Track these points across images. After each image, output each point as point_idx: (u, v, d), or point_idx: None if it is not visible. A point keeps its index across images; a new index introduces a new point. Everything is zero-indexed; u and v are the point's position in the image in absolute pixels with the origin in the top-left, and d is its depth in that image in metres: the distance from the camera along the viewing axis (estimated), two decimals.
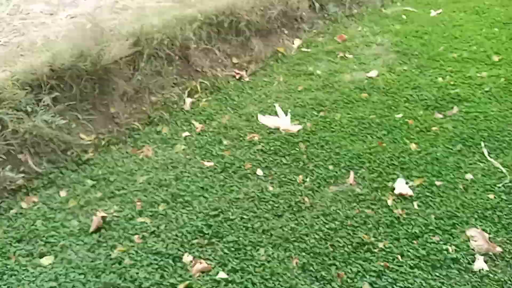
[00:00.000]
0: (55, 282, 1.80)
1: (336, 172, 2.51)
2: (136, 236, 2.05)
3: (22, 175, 2.37)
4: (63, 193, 2.36)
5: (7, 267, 1.87)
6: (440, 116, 3.03)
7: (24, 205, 2.25)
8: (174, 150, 2.77)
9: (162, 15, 3.56)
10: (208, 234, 2.07)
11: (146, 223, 2.14)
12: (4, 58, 2.81)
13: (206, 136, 2.89)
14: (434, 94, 3.27)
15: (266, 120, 2.98)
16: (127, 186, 2.42)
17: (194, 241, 2.02)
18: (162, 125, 3.04)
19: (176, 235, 2.06)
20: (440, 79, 3.46)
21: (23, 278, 1.82)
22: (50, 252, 1.97)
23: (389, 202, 2.27)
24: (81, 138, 2.78)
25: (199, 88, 3.44)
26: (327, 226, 2.11)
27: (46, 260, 1.92)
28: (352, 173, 2.49)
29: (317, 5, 4.70)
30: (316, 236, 2.04)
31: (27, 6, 4.44)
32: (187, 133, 2.92)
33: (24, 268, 1.87)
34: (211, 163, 2.60)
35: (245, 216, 2.18)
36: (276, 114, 3.09)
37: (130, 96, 3.11)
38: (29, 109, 2.50)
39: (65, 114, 2.71)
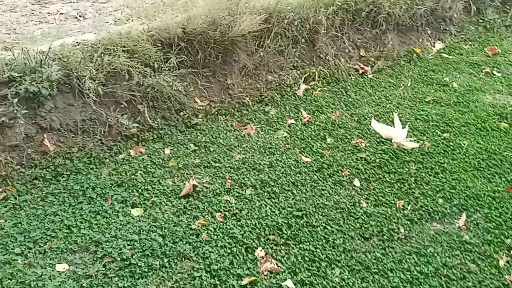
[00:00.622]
0: (137, 236, 1.93)
1: (445, 209, 2.20)
2: (218, 214, 2.08)
3: (137, 125, 2.56)
4: (167, 151, 2.50)
5: (102, 208, 2.06)
6: None
7: (132, 152, 2.44)
8: (275, 135, 2.72)
9: None
10: (286, 234, 2.00)
11: (231, 203, 2.15)
12: (147, 11, 3.00)
13: (310, 128, 2.78)
14: None
15: (380, 127, 2.73)
16: (223, 160, 2.45)
17: (271, 237, 1.98)
18: (271, 106, 3.00)
19: (255, 225, 2.03)
20: None
21: (112, 222, 1.98)
22: (141, 204, 2.11)
23: (501, 262, 1.91)
24: (195, 101, 2.89)
25: (317, 75, 3.30)
26: (418, 268, 1.87)
27: (136, 212, 2.06)
28: (464, 215, 2.16)
29: (473, 7, 4.09)
30: (402, 276, 1.83)
31: None
32: (292, 121, 2.84)
33: (115, 213, 2.04)
34: (309, 159, 2.50)
35: (328, 227, 2.05)
36: (392, 123, 2.82)
37: (248, 71, 3.12)
38: (156, 66, 2.66)
39: (186, 77, 2.83)
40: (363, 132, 2.74)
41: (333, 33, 3.43)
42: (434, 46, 3.90)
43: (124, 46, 2.53)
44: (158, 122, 2.66)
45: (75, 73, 2.38)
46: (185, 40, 2.80)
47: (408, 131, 2.71)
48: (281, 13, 3.11)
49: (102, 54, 2.45)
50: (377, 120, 2.83)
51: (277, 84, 3.18)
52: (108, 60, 2.42)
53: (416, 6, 3.68)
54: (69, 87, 2.41)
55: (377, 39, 3.68)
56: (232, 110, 2.93)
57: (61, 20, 3.25)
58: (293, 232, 2.01)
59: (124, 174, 2.27)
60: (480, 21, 4.20)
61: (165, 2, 3.52)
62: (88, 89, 2.34)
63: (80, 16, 3.30)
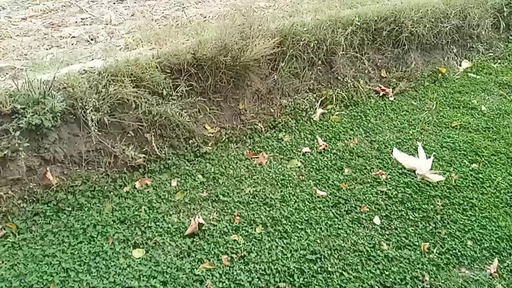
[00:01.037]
0: (136, 282, 1.80)
1: (475, 252, 1.98)
2: (225, 257, 1.93)
3: (143, 155, 2.46)
4: (174, 183, 2.38)
5: (102, 249, 1.94)
6: None
7: (137, 185, 2.33)
8: (289, 164, 2.56)
9: (317, 13, 3.30)
10: (298, 281, 1.83)
11: (239, 244, 2.00)
12: (157, 36, 2.92)
13: (327, 157, 2.61)
14: None
15: (402, 157, 2.54)
16: (233, 193, 2.31)
17: (281, 285, 1.81)
18: (285, 132, 2.85)
19: (265, 270, 1.87)
20: None
21: (112, 266, 1.86)
22: (143, 244, 1.99)
23: None
24: (205, 128, 2.77)
25: (334, 98, 3.14)
26: None
27: (138, 253, 1.94)
28: (496, 260, 1.94)
29: (502, 24, 3.86)
30: None
31: None
32: (307, 149, 2.68)
33: (116, 255, 1.92)
34: (324, 193, 2.32)
35: (345, 274, 1.87)
36: (415, 151, 2.62)
37: (261, 95, 2.99)
38: (165, 93, 2.56)
39: (196, 103, 2.72)
40: (384, 162, 2.55)
41: (352, 53, 3.27)
42: (460, 65, 3.68)
43: (131, 74, 2.44)
44: (165, 151, 2.55)
45: (80, 103, 2.30)
46: (195, 65, 2.69)
47: (433, 161, 2.51)
48: (296, 35, 2.97)
49: (108, 83, 2.36)
50: (399, 149, 2.64)
51: (292, 108, 3.03)
52: (115, 90, 2.34)
53: (441, 24, 3.48)
54: (74, 117, 2.33)
55: (399, 59, 3.49)
56: (244, 137, 2.80)
57: (72, 44, 3.21)
58: (306, 279, 1.84)
59: (128, 209, 2.16)
60: (510, 37, 3.95)
61: (177, 23, 3.46)
62: (92, 120, 2.25)
63: (91, 40, 3.25)
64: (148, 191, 2.30)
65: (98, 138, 2.34)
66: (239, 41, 2.69)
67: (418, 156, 2.51)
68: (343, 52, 3.20)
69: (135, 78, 2.47)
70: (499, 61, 3.77)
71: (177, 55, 2.64)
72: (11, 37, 3.19)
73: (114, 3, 4.00)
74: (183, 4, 3.99)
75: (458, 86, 3.39)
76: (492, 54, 3.81)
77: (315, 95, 3.15)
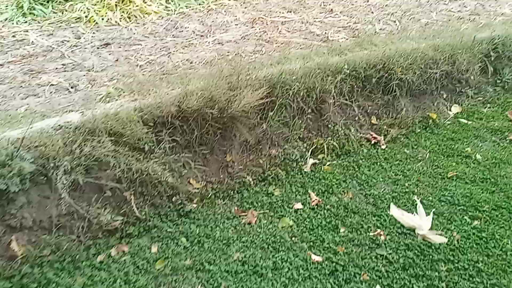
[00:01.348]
0: None
1: None
2: None
3: (121, 217, 2.25)
4: (154, 248, 2.17)
5: None
6: None
7: (113, 252, 2.12)
8: (280, 223, 2.38)
9: (306, 60, 3.23)
10: None
11: None
12: (141, 86, 2.78)
13: (320, 215, 2.44)
14: None
15: (400, 215, 2.39)
16: (219, 260, 2.11)
17: None
18: (275, 186, 2.69)
19: None
20: None
21: None
22: None
23: None
24: (190, 183, 2.59)
25: (325, 147, 3.01)
26: None
27: None
28: None
29: (490, 68, 3.85)
30: None
31: (183, 23, 4.60)
32: (299, 205, 2.51)
33: None
34: (320, 258, 2.14)
35: None
36: (413, 205, 2.48)
37: (250, 146, 2.85)
38: (147, 148, 2.39)
39: (180, 157, 2.56)
40: (381, 220, 2.40)
41: (342, 101, 3.18)
42: (450, 110, 3.62)
43: (111, 130, 2.27)
44: (146, 211, 2.35)
45: (52, 164, 2.11)
46: (180, 117, 2.55)
47: (433, 219, 2.36)
48: (286, 84, 2.87)
49: (85, 142, 2.18)
50: (396, 204, 2.50)
51: (282, 159, 2.89)
52: (90, 150, 2.16)
53: (430, 70, 3.44)
54: (45, 178, 2.13)
55: (389, 105, 3.42)
56: (231, 191, 2.62)
57: (50, 93, 3.05)
58: None
59: (101, 284, 1.93)
60: (498, 81, 3.95)
61: (163, 68, 3.34)
62: (64, 184, 2.05)
63: (71, 88, 3.10)
64: (124, 260, 2.08)
65: (70, 202, 2.13)
66: (226, 92, 2.57)
67: (417, 213, 2.37)
68: (333, 100, 3.10)
69: (114, 134, 2.30)
70: (488, 105, 3.74)
71: (161, 107, 2.49)
72: None
73: (98, 48, 3.89)
74: (169, 49, 3.89)
75: (450, 133, 3.31)
76: (481, 98, 3.78)
77: (305, 144, 3.03)
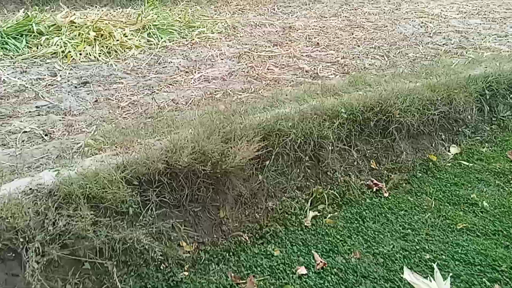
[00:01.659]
0: None
1: None
2: None
3: None
4: None
5: None
6: None
7: None
8: None
9: (300, 102, 3.06)
10: None
11: None
12: (123, 136, 2.52)
13: (328, 281, 2.20)
14: None
15: (415, 280, 2.16)
16: None
17: None
18: (274, 245, 2.44)
19: None
20: None
21: None
22: None
23: None
24: (181, 246, 2.32)
25: (326, 197, 2.80)
26: None
27: None
28: None
29: (486, 106, 3.78)
30: None
31: (166, 58, 4.38)
32: (303, 270, 2.27)
33: None
34: None
35: None
36: (426, 267, 2.27)
37: (245, 199, 2.60)
38: (131, 211, 2.12)
39: (169, 218, 2.29)
40: (395, 286, 2.17)
41: (340, 146, 3.00)
42: (449, 151, 3.49)
43: (89, 194, 2.00)
44: (130, 285, 2.06)
45: (21, 238, 1.81)
46: (168, 174, 2.30)
47: (451, 283, 2.15)
48: (282, 131, 2.67)
49: (60, 209, 1.90)
50: (408, 265, 2.28)
51: (280, 212, 2.66)
52: (68, 217, 1.87)
53: (428, 111, 3.31)
54: (14, 254, 1.83)
55: (388, 149, 3.26)
56: (227, 254, 2.36)
57: (22, 141, 2.75)
58: None
59: None
60: (493, 119, 3.87)
61: (147, 113, 3.10)
62: (37, 263, 1.75)
63: (46, 135, 2.81)
64: None
65: (41, 280, 1.83)
66: (219, 145, 2.34)
67: (433, 279, 2.15)
68: (331, 147, 2.91)
69: (93, 197, 2.03)
70: (486, 144, 3.63)
71: (147, 163, 2.23)
72: None
73: (75, 87, 3.62)
74: (152, 87, 3.67)
75: (453, 177, 3.16)
76: (479, 137, 3.67)
77: (304, 194, 2.81)
